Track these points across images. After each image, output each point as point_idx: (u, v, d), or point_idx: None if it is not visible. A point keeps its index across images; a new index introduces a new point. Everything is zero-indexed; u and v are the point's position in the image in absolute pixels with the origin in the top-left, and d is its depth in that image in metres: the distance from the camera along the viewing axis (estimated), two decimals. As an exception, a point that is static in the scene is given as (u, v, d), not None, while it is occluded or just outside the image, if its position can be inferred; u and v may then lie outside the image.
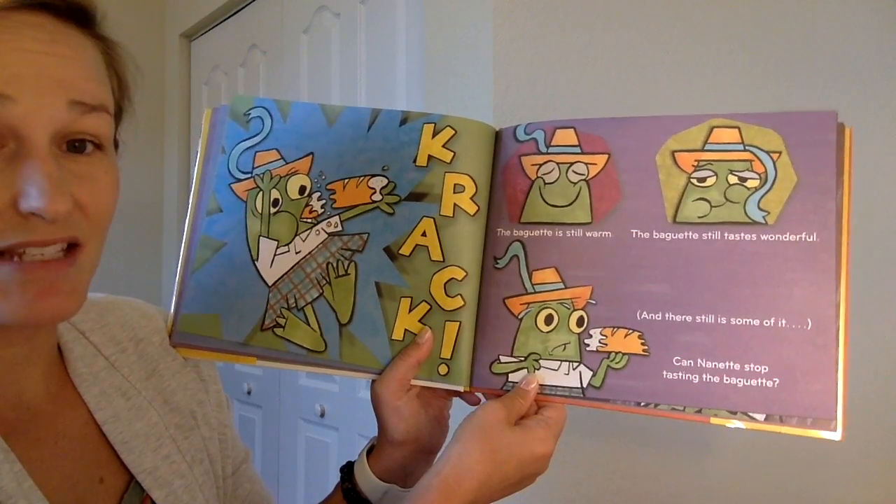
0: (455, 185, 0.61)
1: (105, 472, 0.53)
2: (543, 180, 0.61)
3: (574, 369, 0.58)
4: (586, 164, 0.60)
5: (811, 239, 0.53)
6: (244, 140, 0.65)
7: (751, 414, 0.53)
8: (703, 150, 0.57)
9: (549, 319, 0.59)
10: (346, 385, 1.63)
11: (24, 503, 0.45)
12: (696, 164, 0.57)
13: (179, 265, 0.64)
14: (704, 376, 0.54)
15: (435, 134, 0.62)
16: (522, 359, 0.59)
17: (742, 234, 0.55)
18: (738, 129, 0.56)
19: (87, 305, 0.55)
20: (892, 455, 1.49)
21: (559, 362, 0.58)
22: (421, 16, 1.35)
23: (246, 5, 2.00)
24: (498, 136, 0.64)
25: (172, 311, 0.63)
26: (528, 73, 1.16)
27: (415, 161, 0.62)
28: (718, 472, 1.32)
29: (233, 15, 2.07)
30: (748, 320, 0.54)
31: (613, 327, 0.57)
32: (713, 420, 0.53)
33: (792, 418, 0.52)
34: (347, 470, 0.66)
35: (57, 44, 0.44)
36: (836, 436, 0.51)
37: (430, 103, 1.26)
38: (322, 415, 1.68)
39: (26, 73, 0.42)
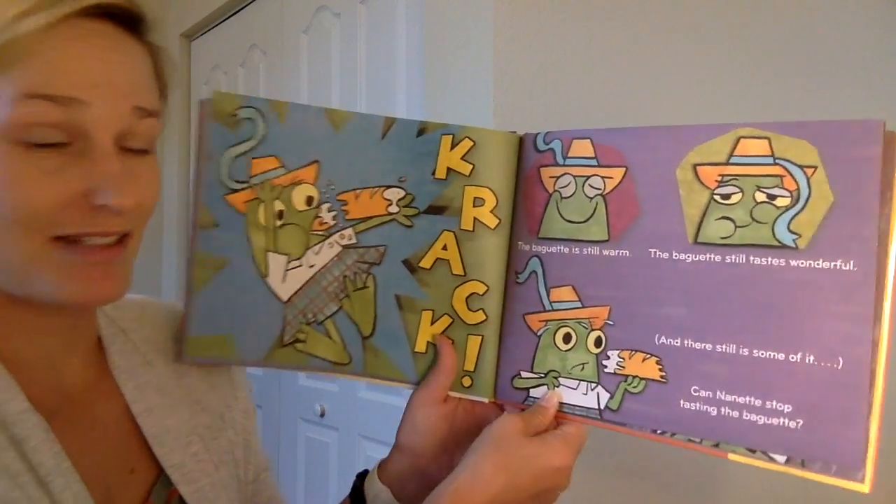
0: (475, 198, 0.60)
1: (136, 464, 0.55)
2: (560, 194, 0.58)
3: (592, 390, 0.56)
4: (603, 177, 0.57)
5: (847, 267, 0.48)
6: (234, 145, 0.59)
7: (771, 454, 0.49)
8: (727, 163, 0.52)
9: (567, 338, 0.58)
10: (346, 385, 1.63)
11: (62, 481, 0.47)
12: (719, 179, 0.52)
13: (184, 286, 0.61)
14: (723, 409, 0.51)
15: (453, 146, 0.59)
16: (542, 375, 0.58)
17: (770, 259, 0.50)
18: (769, 140, 0.51)
19: (127, 304, 0.61)
20: None
21: (578, 381, 0.57)
22: (421, 16, 1.35)
23: (246, 5, 2.00)
24: (522, 142, 0.61)
25: (184, 333, 0.60)
26: (528, 73, 1.16)
27: (433, 174, 0.60)
28: None
29: (233, 15, 2.07)
30: (772, 353, 0.49)
31: (631, 350, 0.55)
32: (731, 456, 0.50)
33: (815, 463, 0.48)
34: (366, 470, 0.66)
35: (120, 52, 0.48)
36: (864, 487, 0.46)
37: (430, 103, 1.26)
38: (322, 415, 1.68)
39: (99, 81, 0.46)
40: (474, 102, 1.15)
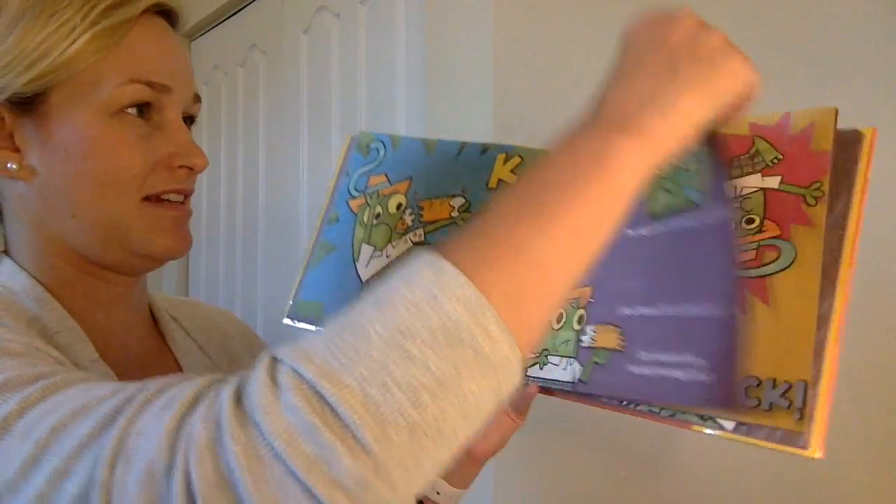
0: None
1: None
2: None
3: (570, 365, 0.58)
4: None
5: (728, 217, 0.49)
6: (363, 166, 0.76)
7: (719, 421, 0.48)
8: None
9: (559, 318, 0.61)
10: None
11: None
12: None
13: (303, 260, 0.78)
14: (659, 370, 0.51)
15: (506, 161, 0.69)
16: (537, 354, 0.61)
17: (685, 219, 0.52)
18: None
19: (176, 300, 0.70)
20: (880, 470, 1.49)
21: (560, 357, 0.59)
22: (421, 16, 1.35)
23: (246, 5, 2.01)
24: None
25: (292, 296, 0.76)
26: (528, 73, 1.16)
27: (487, 184, 0.69)
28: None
29: (233, 15, 2.07)
30: (689, 308, 0.49)
31: (603, 323, 0.57)
32: (694, 428, 0.49)
33: (760, 430, 0.47)
34: None
35: (182, 46, 0.58)
36: (812, 453, 0.44)
37: (430, 104, 1.26)
38: (322, 415, 1.68)
39: (177, 70, 0.56)
40: (474, 102, 1.16)
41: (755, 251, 0.50)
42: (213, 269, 2.20)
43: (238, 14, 2.05)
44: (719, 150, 0.51)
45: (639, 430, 1.25)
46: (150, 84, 0.53)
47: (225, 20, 2.11)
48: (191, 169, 0.57)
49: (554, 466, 1.19)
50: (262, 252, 1.95)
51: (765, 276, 0.49)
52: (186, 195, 0.58)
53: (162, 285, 2.34)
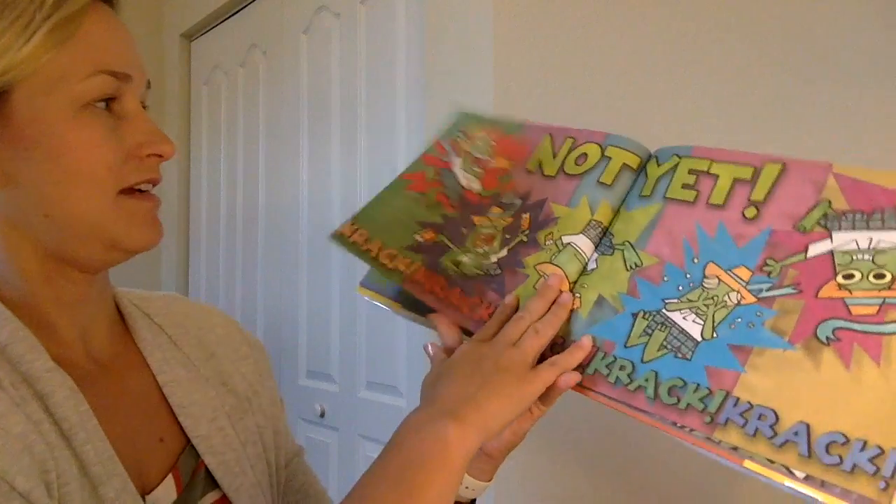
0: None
1: (165, 433, 0.57)
2: None
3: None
4: None
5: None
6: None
7: (790, 468, 0.46)
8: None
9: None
10: (346, 385, 1.63)
11: (84, 435, 0.50)
12: None
13: None
14: None
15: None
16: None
17: None
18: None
19: (152, 296, 0.66)
20: None
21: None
22: (421, 16, 1.35)
23: (246, 5, 2.01)
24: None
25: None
26: (528, 73, 1.16)
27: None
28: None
29: (233, 15, 2.07)
30: None
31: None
32: (747, 464, 0.48)
33: (834, 489, 0.44)
34: None
35: (129, 31, 0.56)
36: None
37: (430, 104, 1.26)
38: (322, 415, 1.68)
39: (133, 57, 0.55)
40: (474, 102, 1.15)
41: (878, 307, 0.49)
42: (213, 269, 2.20)
43: (238, 14, 2.05)
44: None
45: (639, 430, 1.25)
46: (113, 74, 0.52)
47: (225, 20, 2.11)
48: (160, 157, 0.55)
49: (554, 466, 1.18)
50: (262, 252, 1.95)
51: (883, 334, 0.48)
52: (155, 184, 0.57)
53: (162, 285, 2.34)
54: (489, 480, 0.63)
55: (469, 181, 0.71)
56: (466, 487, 0.62)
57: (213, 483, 0.58)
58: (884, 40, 1.57)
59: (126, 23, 0.57)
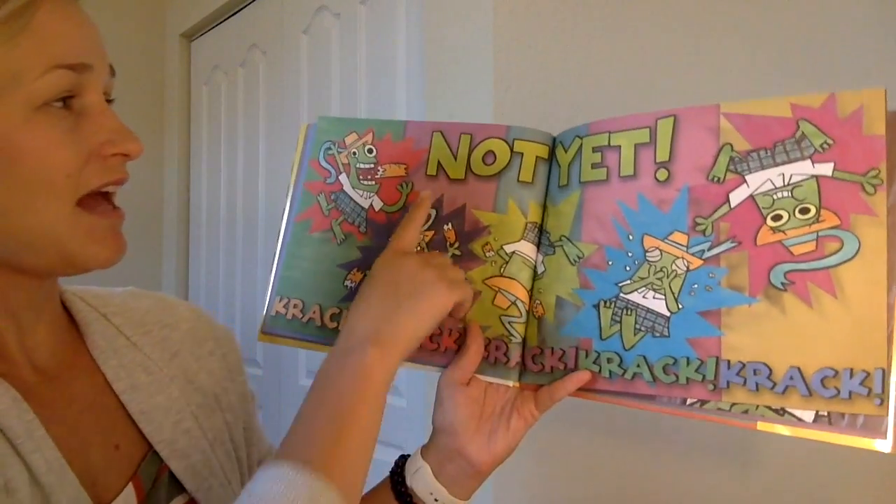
0: None
1: (122, 440, 0.55)
2: None
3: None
4: None
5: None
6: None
7: (796, 413, 0.49)
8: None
9: None
10: (345, 385, 1.62)
11: (32, 444, 0.48)
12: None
13: None
14: None
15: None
16: None
17: None
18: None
19: (112, 294, 0.62)
20: None
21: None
22: (421, 16, 1.35)
23: (246, 5, 2.01)
24: None
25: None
26: (528, 73, 1.16)
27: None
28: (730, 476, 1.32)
29: (233, 15, 2.07)
30: None
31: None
32: (760, 426, 0.50)
33: (842, 419, 0.47)
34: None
35: (89, 17, 0.51)
36: (886, 446, 0.46)
37: (430, 103, 1.26)
38: (322, 415, 1.67)
39: (93, 44, 0.50)
40: (474, 102, 1.15)
41: (814, 242, 0.49)
42: (213, 269, 2.19)
43: (238, 14, 2.05)
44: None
45: (639, 431, 1.25)
46: (71, 67, 0.47)
47: (225, 20, 2.11)
48: (125, 156, 0.51)
49: (554, 466, 1.18)
50: (262, 252, 1.95)
51: (828, 267, 0.49)
52: (121, 185, 0.52)
53: (162, 285, 2.34)
54: (466, 500, 0.62)
55: (367, 199, 0.66)
56: (437, 500, 0.61)
57: (180, 487, 0.57)
58: (884, 40, 1.57)
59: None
